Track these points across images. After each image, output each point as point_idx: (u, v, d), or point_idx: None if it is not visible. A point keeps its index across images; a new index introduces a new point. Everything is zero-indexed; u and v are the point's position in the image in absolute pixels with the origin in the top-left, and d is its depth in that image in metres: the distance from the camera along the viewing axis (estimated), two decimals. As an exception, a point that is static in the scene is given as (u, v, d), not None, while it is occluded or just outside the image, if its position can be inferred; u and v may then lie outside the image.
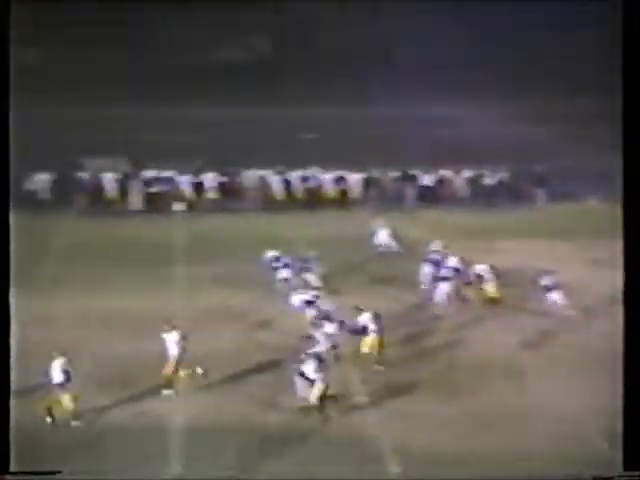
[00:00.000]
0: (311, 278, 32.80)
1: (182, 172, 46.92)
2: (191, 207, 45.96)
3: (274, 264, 33.54)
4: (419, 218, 42.86)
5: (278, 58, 61.64)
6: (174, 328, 25.76)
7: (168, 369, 25.34)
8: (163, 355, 26.18)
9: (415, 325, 30.44)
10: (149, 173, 47.07)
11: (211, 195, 46.71)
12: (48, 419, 23.78)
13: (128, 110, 54.83)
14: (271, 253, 33.98)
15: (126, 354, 27.37)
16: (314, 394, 23.93)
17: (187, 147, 48.44)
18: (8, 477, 19.56)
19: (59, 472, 20.49)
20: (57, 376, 23.86)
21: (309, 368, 24.19)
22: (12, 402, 20.83)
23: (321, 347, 26.53)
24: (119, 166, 47.65)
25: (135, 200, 46.36)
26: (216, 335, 29.09)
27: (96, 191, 46.28)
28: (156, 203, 46.05)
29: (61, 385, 23.82)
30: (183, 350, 25.45)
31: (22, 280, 34.01)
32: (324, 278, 33.26)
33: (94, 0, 60.43)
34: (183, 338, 25.55)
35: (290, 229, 41.18)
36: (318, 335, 27.11)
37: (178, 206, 46.00)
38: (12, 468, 20.11)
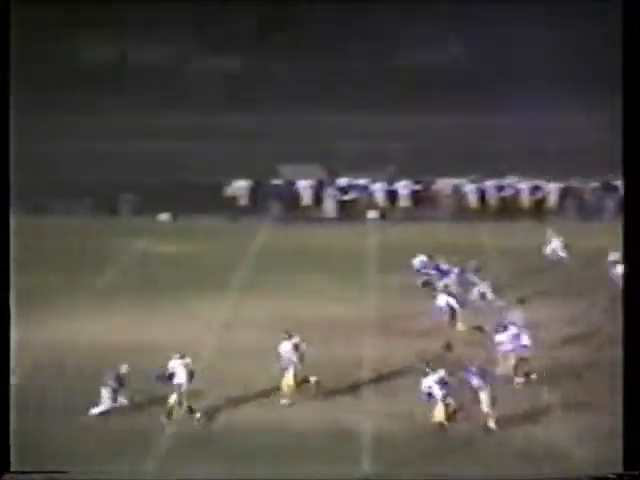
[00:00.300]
0: (482, 288, 32.42)
1: (376, 180, 47.13)
2: (384, 215, 46.11)
3: (424, 270, 33.77)
4: (616, 228, 41.59)
5: (474, 65, 61.08)
6: (290, 337, 25.75)
7: (286, 377, 25.24)
8: (354, 359, 26.32)
9: (599, 334, 29.72)
10: (343, 181, 47.48)
11: (404, 203, 46.73)
12: (164, 419, 24.08)
13: (323, 118, 55.41)
14: (420, 258, 34.16)
15: (318, 358, 27.59)
16: (439, 411, 23.44)
17: (381, 155, 48.59)
18: (7, 477, 19.48)
19: (62, 472, 20.42)
20: (180, 376, 24.22)
21: (430, 382, 23.74)
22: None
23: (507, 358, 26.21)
24: (314, 174, 48.25)
25: (329, 207, 46.84)
26: (396, 341, 29.10)
27: (291, 198, 47.00)
28: (349, 211, 46.42)
29: (181, 384, 24.20)
30: (300, 358, 25.33)
31: (218, 284, 35.10)
32: (505, 288, 32.78)
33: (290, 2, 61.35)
34: (297, 347, 25.42)
35: (483, 238, 40.75)
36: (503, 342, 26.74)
37: (372, 214, 46.22)
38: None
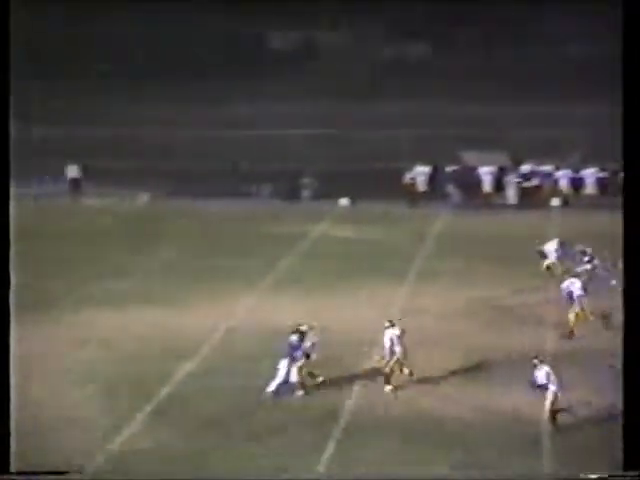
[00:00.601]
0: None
1: (560, 167, 46.12)
2: (567, 202, 45.03)
3: (557, 254, 33.50)
4: None
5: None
6: (393, 325, 25.23)
7: (383, 364, 24.83)
8: (526, 347, 25.80)
9: None
10: (526, 167, 46.65)
11: (590, 191, 45.56)
12: (300, 392, 24.35)
13: (505, 107, 54.63)
14: (553, 243, 33.93)
15: (488, 346, 27.13)
16: (547, 405, 22.73)
17: (567, 142, 47.51)
18: (7, 477, 19.10)
19: (62, 473, 19.93)
20: (308, 347, 24.50)
21: (541, 374, 22.93)
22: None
23: None
24: (497, 160, 47.59)
25: (511, 194, 46.09)
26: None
27: (472, 184, 46.47)
28: (532, 198, 45.56)
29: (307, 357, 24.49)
30: (402, 346, 24.84)
31: (396, 270, 34.97)
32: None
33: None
34: (401, 335, 24.95)
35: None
36: None
37: (555, 201, 45.23)
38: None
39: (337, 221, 42.83)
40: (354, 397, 24.37)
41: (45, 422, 22.66)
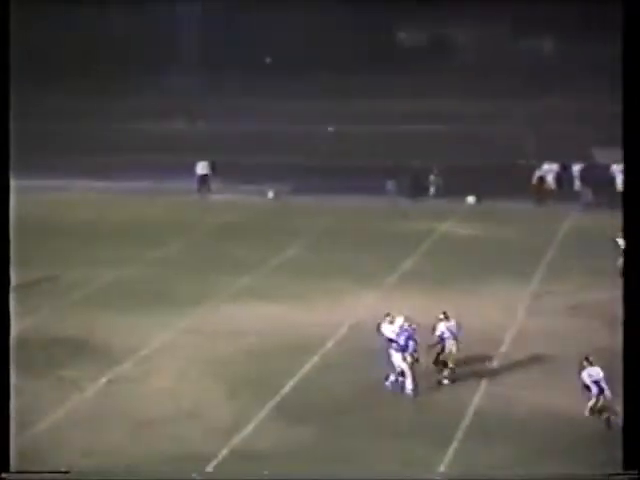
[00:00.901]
0: None
1: None
2: None
3: None
4: None
5: None
6: (447, 319, 24.98)
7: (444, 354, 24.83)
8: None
9: None
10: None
11: None
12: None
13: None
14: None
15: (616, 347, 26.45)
16: (589, 405, 22.31)
17: None
18: (8, 476, 18.73)
19: (63, 472, 19.45)
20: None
21: (590, 375, 22.35)
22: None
23: None
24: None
25: (644, 194, 44.92)
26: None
27: (604, 183, 45.48)
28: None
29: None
30: (457, 340, 24.80)
31: (521, 269, 34.43)
32: None
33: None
34: (456, 329, 24.82)
35: None
36: None
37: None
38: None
39: (463, 219, 42.43)
40: (478, 397, 24.07)
41: (169, 415, 22.95)
